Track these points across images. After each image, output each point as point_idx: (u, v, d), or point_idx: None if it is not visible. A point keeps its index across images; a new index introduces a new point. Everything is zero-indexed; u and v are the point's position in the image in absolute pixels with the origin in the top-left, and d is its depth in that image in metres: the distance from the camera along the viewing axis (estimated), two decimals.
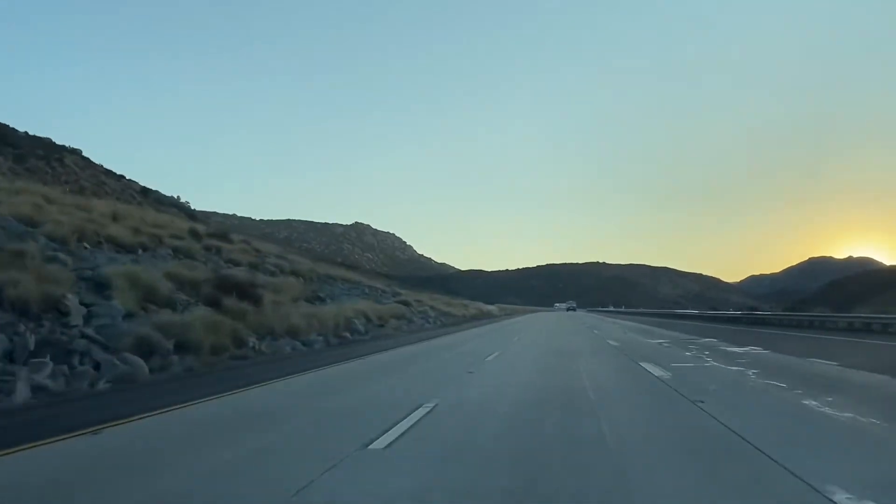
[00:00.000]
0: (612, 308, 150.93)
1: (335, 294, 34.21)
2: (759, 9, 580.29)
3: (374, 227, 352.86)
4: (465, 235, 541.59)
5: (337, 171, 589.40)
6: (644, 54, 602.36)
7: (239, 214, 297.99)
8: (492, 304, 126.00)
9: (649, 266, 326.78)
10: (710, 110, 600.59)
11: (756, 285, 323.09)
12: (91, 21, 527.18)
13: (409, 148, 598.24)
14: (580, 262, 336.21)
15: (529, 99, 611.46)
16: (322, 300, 30.42)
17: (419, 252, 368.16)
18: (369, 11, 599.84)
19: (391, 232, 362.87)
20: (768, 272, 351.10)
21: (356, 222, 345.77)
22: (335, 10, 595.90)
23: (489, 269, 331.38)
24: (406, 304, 40.82)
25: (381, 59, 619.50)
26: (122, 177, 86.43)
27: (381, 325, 28.60)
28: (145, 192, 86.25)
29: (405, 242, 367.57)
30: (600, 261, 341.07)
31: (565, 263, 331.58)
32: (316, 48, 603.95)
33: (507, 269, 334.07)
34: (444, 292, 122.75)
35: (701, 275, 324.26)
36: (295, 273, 34.37)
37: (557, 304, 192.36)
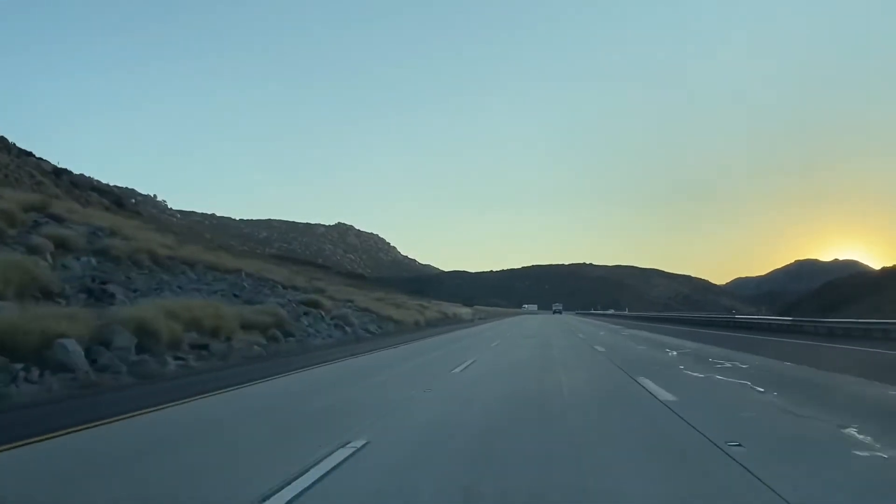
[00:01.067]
0: (612, 311, 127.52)
1: (170, 286, 19.95)
2: (748, 13, 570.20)
3: (357, 227, 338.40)
4: (450, 237, 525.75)
5: (322, 172, 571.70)
6: (632, 55, 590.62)
7: (218, 214, 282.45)
8: (470, 305, 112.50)
9: (637, 267, 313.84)
10: (698, 113, 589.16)
11: (742, 287, 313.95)
12: (73, 22, 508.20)
13: (395, 149, 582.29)
14: (566, 263, 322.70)
15: (516, 100, 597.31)
16: (109, 296, 16.17)
17: (403, 253, 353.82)
18: (353, 14, 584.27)
19: (375, 233, 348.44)
20: (754, 274, 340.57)
21: (339, 223, 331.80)
22: (319, 13, 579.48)
23: (472, 271, 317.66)
24: (313, 305, 26.58)
25: (366, 61, 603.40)
26: (30, 154, 71.50)
27: (202, 347, 14.46)
28: (58, 172, 71.53)
29: (389, 244, 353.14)
30: (587, 262, 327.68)
31: (551, 265, 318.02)
32: (300, 50, 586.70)
33: (490, 271, 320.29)
34: (420, 293, 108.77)
35: (690, 276, 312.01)
36: (103, 252, 20.15)
37: (526, 306, 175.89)
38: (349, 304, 34.00)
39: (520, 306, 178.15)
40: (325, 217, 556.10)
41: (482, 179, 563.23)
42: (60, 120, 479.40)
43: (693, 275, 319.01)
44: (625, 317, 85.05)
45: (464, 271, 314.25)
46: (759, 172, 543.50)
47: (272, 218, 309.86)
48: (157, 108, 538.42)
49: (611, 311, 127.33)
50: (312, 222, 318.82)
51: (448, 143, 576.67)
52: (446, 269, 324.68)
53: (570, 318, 76.32)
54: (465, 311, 66.13)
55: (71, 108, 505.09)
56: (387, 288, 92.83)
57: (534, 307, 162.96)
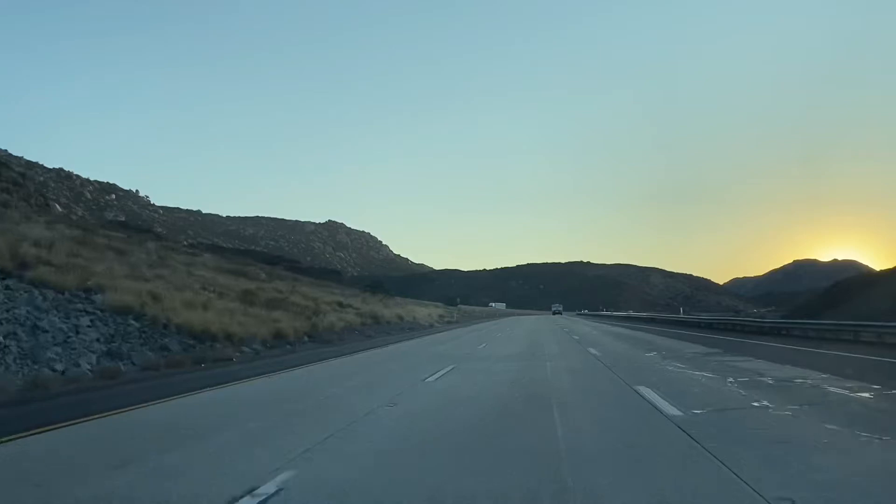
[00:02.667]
0: (631, 313, 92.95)
1: None
2: (743, 15, 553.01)
3: (348, 225, 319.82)
4: (445, 236, 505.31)
5: (313, 168, 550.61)
6: (629, 53, 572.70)
7: (204, 211, 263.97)
8: (454, 305, 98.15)
9: (637, 266, 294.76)
10: (697, 113, 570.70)
11: (740, 287, 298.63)
12: (57, 17, 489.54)
13: (389, 146, 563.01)
14: (563, 261, 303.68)
15: (513, 98, 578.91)
16: None
17: (395, 252, 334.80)
18: (346, 12, 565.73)
19: (366, 231, 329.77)
20: (752, 275, 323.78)
21: (329, 220, 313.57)
22: (312, 11, 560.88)
23: (465, 269, 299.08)
24: None
25: (357, 59, 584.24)
26: None
27: None
28: None
29: (380, 242, 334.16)
30: (584, 260, 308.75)
31: (546, 263, 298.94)
32: (289, 47, 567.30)
33: (484, 269, 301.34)
34: (376, 291, 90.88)
35: (691, 276, 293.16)
36: None
37: (494, 304, 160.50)
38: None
39: (532, 307, 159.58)
40: (316, 214, 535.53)
41: (478, 177, 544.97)
42: (43, 116, 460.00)
43: (693, 273, 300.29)
44: (685, 324, 43.75)
45: (456, 270, 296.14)
46: (759, 173, 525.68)
47: (261, 215, 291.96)
48: (145, 104, 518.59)
49: (629, 313, 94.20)
50: (302, 220, 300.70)
51: (443, 141, 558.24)
52: (438, 268, 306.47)
53: (579, 326, 46.92)
54: (426, 313, 47.13)
55: (54, 104, 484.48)
56: (343, 286, 74.87)
57: (502, 306, 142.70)
